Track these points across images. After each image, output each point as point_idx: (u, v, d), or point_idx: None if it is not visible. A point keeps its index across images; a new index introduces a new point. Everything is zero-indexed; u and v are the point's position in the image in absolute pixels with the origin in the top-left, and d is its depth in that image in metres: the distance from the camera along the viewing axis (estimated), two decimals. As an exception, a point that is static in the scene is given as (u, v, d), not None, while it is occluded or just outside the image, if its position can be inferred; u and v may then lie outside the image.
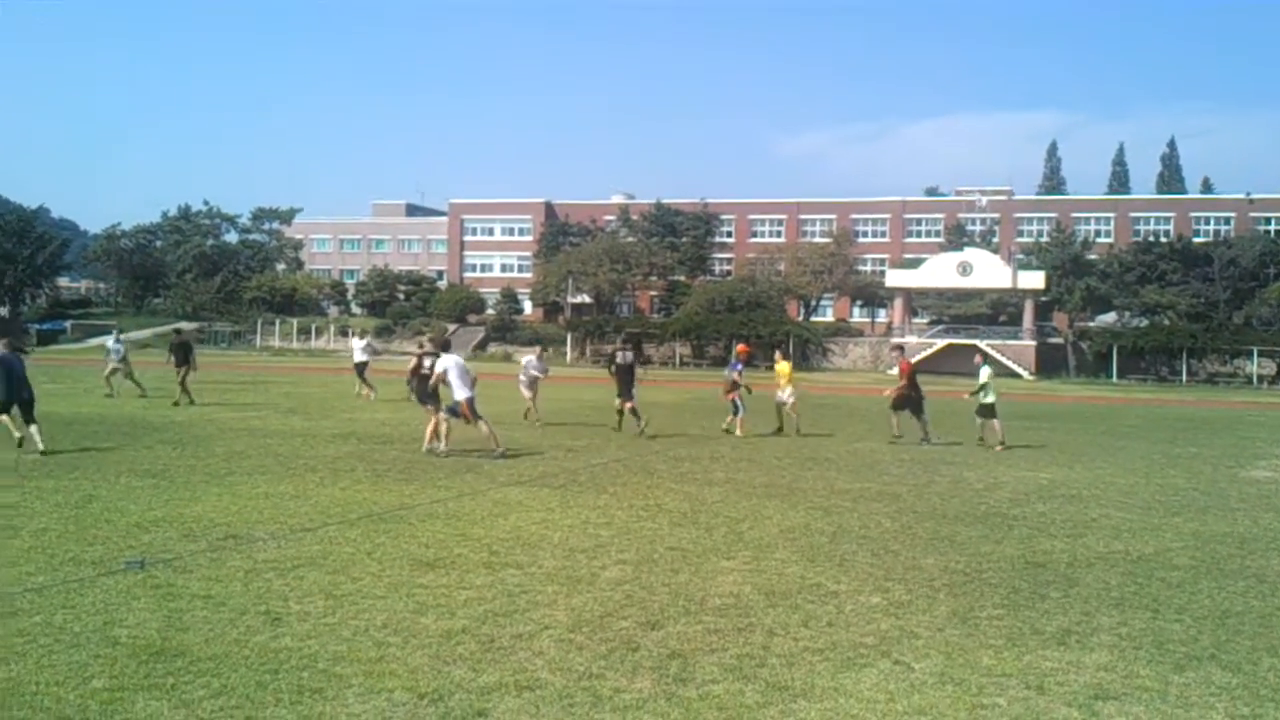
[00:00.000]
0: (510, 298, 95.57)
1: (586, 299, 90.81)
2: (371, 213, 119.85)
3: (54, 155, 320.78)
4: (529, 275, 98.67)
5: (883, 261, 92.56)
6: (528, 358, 24.08)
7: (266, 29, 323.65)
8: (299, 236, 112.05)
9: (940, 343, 76.20)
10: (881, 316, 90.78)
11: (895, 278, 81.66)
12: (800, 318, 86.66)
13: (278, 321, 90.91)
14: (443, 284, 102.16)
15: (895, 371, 21.54)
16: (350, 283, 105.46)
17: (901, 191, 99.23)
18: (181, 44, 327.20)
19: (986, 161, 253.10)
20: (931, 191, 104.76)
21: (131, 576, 7.93)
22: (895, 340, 21.51)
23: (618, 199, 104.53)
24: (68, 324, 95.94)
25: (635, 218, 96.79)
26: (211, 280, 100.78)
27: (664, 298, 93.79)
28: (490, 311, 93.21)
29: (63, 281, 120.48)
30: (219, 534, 9.70)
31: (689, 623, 7.14)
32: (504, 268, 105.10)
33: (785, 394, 22.00)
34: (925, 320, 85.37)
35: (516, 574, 8.40)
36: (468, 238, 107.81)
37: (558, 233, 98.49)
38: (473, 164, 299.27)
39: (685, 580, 8.37)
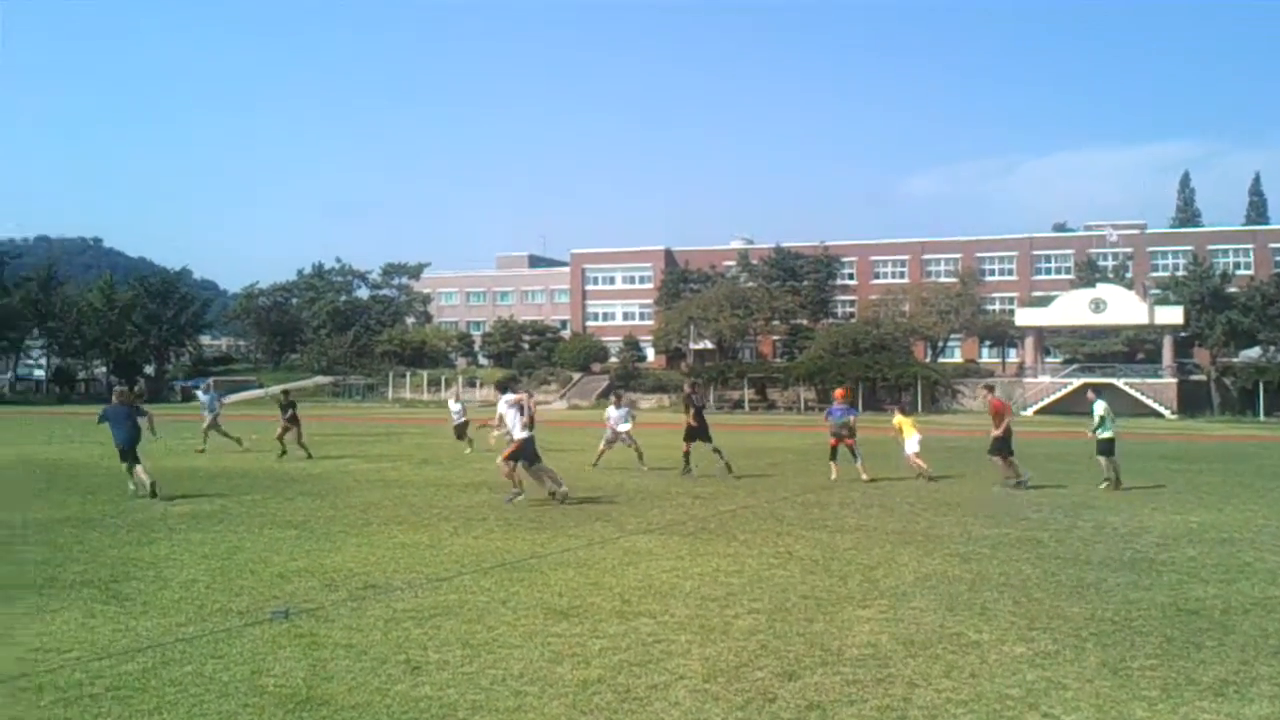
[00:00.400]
0: (633, 345, 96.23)
1: (709, 345, 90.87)
2: (496, 265, 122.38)
3: (195, 219, 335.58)
4: (650, 322, 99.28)
5: (1011, 300, 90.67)
6: (610, 410, 23.93)
7: (392, 94, 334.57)
8: (427, 290, 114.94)
9: (1075, 382, 74.04)
10: (1012, 356, 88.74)
11: (1025, 316, 79.83)
12: (927, 359, 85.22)
13: (408, 374, 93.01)
14: (566, 333, 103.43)
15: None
16: (477, 334, 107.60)
17: (1028, 228, 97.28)
18: (309, 110, 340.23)
19: (1115, 195, 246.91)
20: (1059, 227, 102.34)
21: (277, 626, 8.15)
22: (986, 381, 21.17)
23: (737, 244, 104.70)
24: (210, 380, 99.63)
25: (755, 262, 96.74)
26: (345, 335, 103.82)
27: (786, 342, 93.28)
28: (613, 359, 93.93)
29: (205, 339, 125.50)
30: (358, 583, 9.91)
31: (826, 673, 7.02)
32: (626, 315, 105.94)
33: (912, 443, 21.51)
34: (1058, 359, 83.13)
35: (649, 623, 8.38)
36: (590, 287, 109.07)
37: (678, 279, 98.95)
38: (594, 213, 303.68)
39: (820, 629, 8.24)
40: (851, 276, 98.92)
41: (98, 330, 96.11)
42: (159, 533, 13.05)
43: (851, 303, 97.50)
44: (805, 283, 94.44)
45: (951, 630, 8.26)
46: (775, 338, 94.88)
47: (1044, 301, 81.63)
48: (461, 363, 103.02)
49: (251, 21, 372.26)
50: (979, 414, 72.12)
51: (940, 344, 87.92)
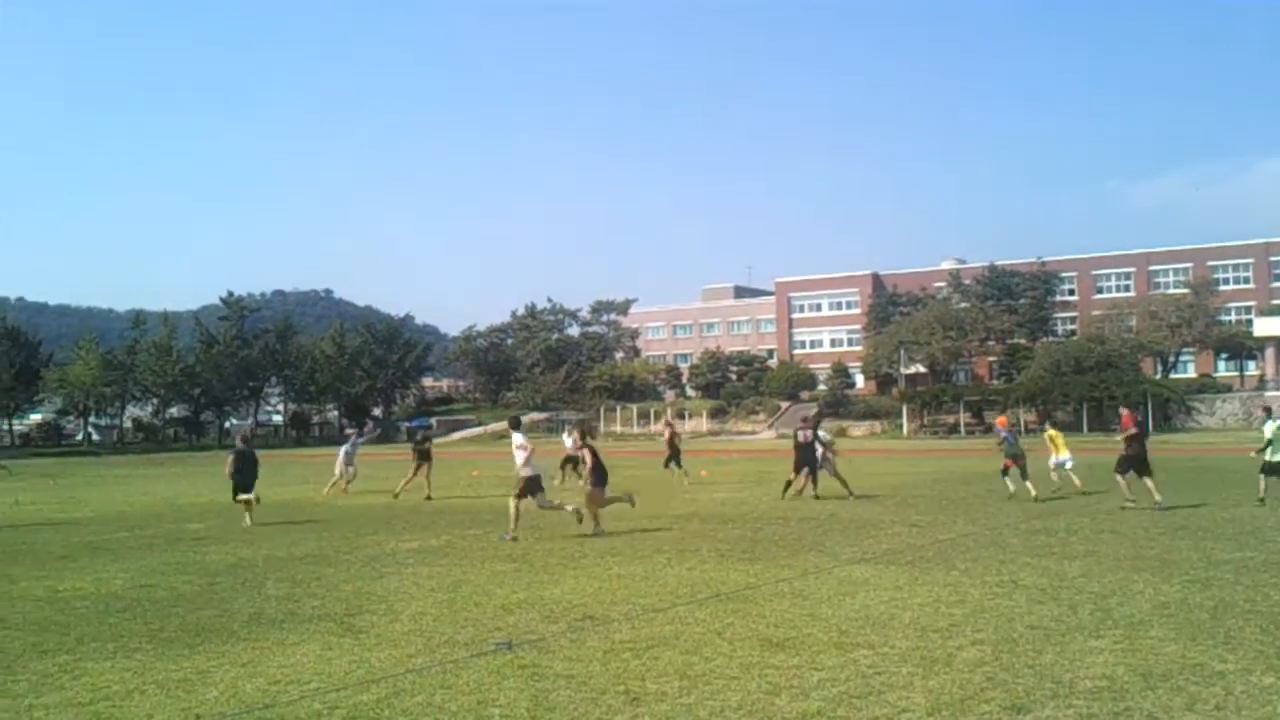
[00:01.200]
0: (841, 372, 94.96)
1: (921, 368, 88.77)
2: (701, 298, 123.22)
3: (417, 268, 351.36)
4: (859, 348, 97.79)
5: (1248, 310, 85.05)
6: (565, 438, 25.97)
7: (593, 137, 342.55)
8: (635, 325, 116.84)
9: (1323, 394, 68.86)
10: (1251, 369, 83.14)
11: (1264, 326, 74.87)
12: (1157, 375, 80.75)
13: (618, 407, 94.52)
14: (773, 362, 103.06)
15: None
16: (684, 366, 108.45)
17: (1266, 233, 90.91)
18: (516, 159, 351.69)
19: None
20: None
21: (501, 657, 8.37)
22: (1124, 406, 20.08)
23: (948, 265, 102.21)
24: (433, 420, 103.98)
25: (968, 282, 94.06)
26: (557, 372, 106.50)
27: (1003, 363, 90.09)
28: (822, 387, 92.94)
29: (427, 381, 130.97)
30: (577, 615, 10.08)
31: (1058, 707, 6.70)
32: (834, 342, 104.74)
33: (1063, 458, 22.84)
34: (1303, 370, 77.43)
35: (869, 654, 8.20)
36: (795, 315, 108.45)
37: (887, 303, 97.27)
38: (798, 242, 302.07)
39: (1050, 661, 7.87)
40: (1072, 292, 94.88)
41: (329, 376, 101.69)
42: (389, 568, 13.63)
43: (1073, 319, 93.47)
44: (1022, 301, 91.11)
45: (1193, 660, 7.76)
46: (991, 359, 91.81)
47: (1285, 310, 76.33)
48: (670, 395, 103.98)
49: (455, 65, 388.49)
50: (1216, 431, 67.89)
51: (1171, 359, 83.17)
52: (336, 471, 28.32)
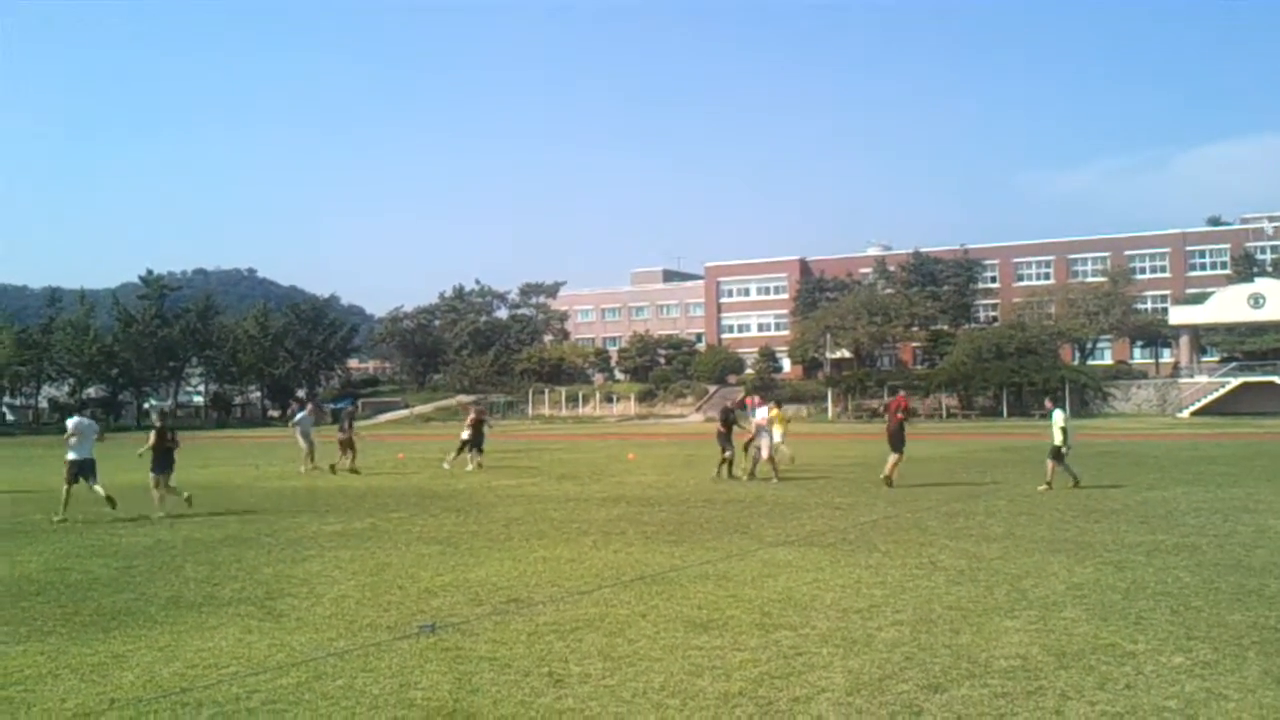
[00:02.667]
0: (769, 356, 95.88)
1: (846, 354, 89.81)
2: (631, 281, 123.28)
3: (341, 248, 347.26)
4: (787, 333, 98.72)
5: (1164, 298, 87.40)
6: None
7: (525, 116, 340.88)
8: (564, 308, 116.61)
9: (1234, 381, 70.93)
10: (1166, 356, 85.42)
11: (1179, 314, 76.89)
12: (1076, 362, 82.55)
13: (547, 390, 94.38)
14: (701, 346, 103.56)
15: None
16: (613, 350, 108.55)
17: (1180, 223, 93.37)
18: (442, 135, 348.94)
19: (1273, 187, 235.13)
20: (1214, 221, 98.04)
21: (424, 640, 8.32)
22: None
23: (874, 251, 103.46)
24: (358, 402, 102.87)
25: (893, 269, 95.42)
26: (485, 354, 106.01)
27: (927, 349, 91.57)
28: (749, 371, 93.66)
29: (353, 363, 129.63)
30: (502, 598, 10.06)
31: (974, 685, 6.84)
32: (761, 327, 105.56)
33: (777, 436, 24.25)
34: (1215, 358, 79.67)
35: (790, 635, 8.30)
36: (724, 299, 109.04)
37: (814, 289, 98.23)
38: (727, 227, 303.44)
39: (967, 641, 8.03)
40: (994, 279, 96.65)
41: (253, 357, 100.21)
42: (311, 550, 13.48)
43: (994, 306, 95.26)
44: (945, 287, 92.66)
45: (1105, 640, 7.97)
46: (915, 344, 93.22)
47: (1199, 299, 78.42)
48: (599, 378, 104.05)
49: (380, 48, 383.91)
50: (1131, 417, 69.65)
51: (1089, 346, 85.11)
52: (303, 447, 28.52)
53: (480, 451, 28.17)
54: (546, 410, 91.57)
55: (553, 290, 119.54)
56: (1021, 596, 9.71)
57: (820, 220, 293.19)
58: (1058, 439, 20.10)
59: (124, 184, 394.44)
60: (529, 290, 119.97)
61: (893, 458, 20.96)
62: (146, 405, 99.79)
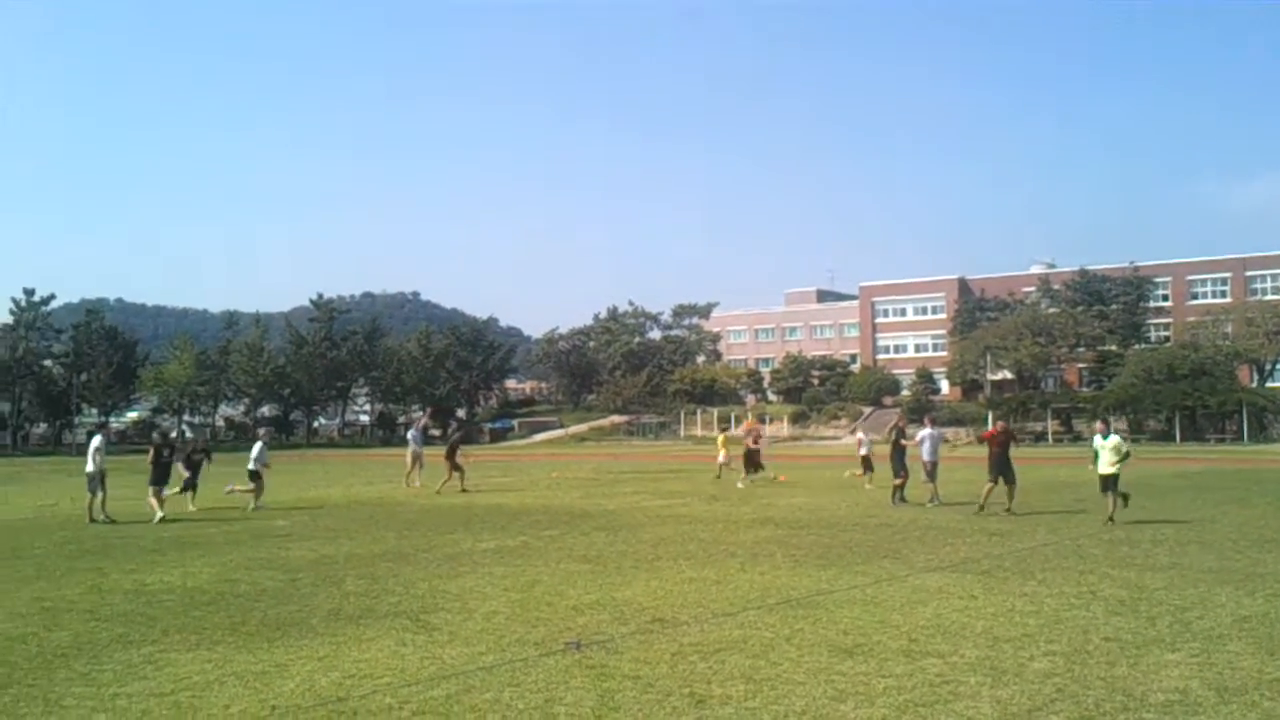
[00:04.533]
0: (926, 377, 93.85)
1: (1008, 375, 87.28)
2: (784, 302, 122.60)
3: (502, 271, 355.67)
4: (944, 354, 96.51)
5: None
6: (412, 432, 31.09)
7: (677, 138, 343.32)
8: (716, 329, 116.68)
9: None
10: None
11: (1367, 333, 72.24)
12: (1254, 384, 78.39)
13: (699, 411, 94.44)
14: (856, 367, 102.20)
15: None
16: (766, 370, 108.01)
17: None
18: (597, 160, 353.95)
19: None
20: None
21: (569, 657, 8.47)
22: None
23: (1036, 269, 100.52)
24: (515, 422, 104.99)
25: (1057, 287, 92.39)
26: (638, 375, 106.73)
27: (1094, 370, 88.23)
28: (906, 392, 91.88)
29: (510, 383, 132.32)
30: (647, 617, 10.15)
31: (1127, 719, 6.60)
32: (918, 348, 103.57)
33: (721, 457, 30.44)
34: None
35: (937, 663, 8.14)
36: (879, 319, 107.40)
37: (973, 309, 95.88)
38: (883, 244, 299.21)
39: (1123, 674, 7.74)
40: (1165, 298, 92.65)
41: (415, 377, 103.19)
42: (465, 566, 13.84)
43: (1166, 326, 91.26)
44: (1113, 307, 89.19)
45: (1271, 675, 7.58)
46: (1081, 365, 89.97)
47: (1392, 316, 73.64)
48: (751, 399, 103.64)
49: (539, 73, 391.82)
50: (1318, 442, 65.65)
51: (1269, 367, 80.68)
52: (408, 463, 29.64)
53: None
54: (699, 431, 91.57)
55: (705, 311, 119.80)
56: (1185, 629, 9.30)
57: (980, 238, 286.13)
58: (1108, 466, 18.27)
59: (297, 213, 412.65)
60: (682, 311, 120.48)
61: (988, 485, 20.24)
62: (316, 424, 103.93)
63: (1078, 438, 74.31)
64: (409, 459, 30.28)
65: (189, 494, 22.78)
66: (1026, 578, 12.29)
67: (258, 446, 24.42)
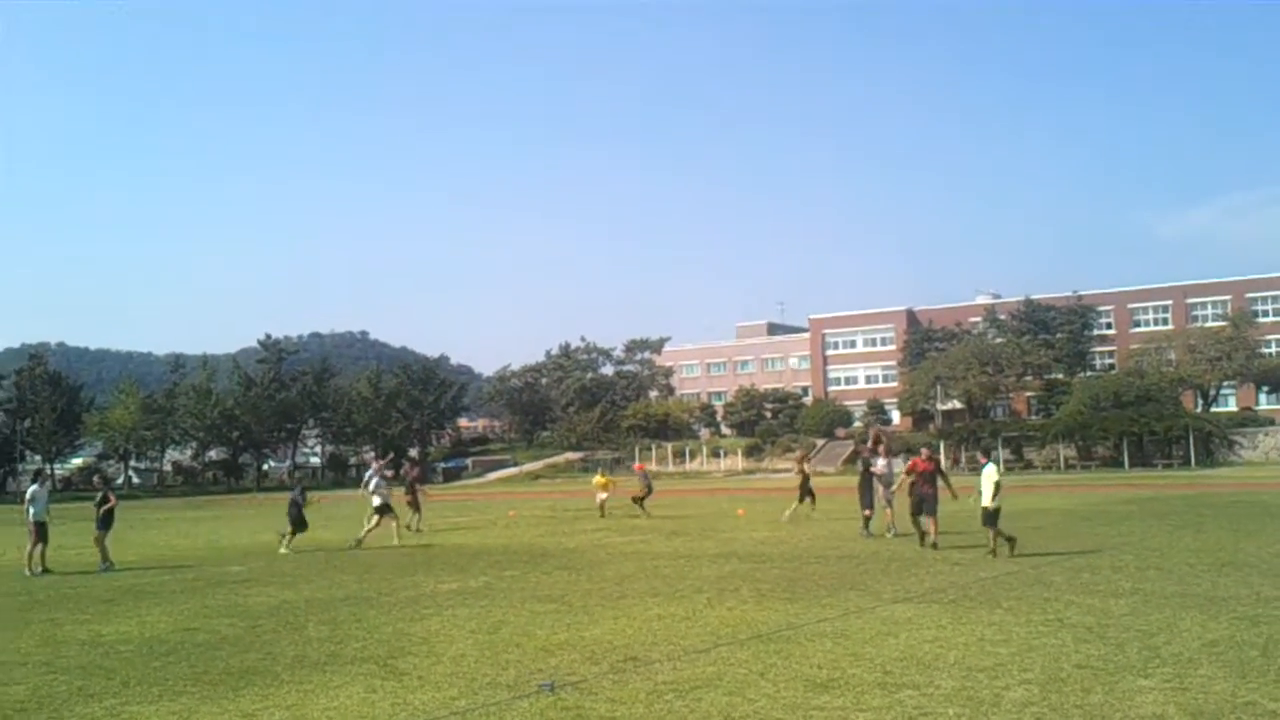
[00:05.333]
0: (877, 408, 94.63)
1: (957, 404, 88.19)
2: (735, 335, 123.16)
3: (450, 309, 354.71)
4: (895, 384, 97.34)
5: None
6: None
7: (625, 168, 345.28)
8: (669, 364, 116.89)
9: (1371, 426, 67.80)
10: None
11: (1307, 357, 73.79)
12: (1198, 409, 79.76)
13: (653, 446, 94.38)
14: (808, 399, 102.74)
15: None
16: (719, 404, 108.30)
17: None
18: (548, 195, 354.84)
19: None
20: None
21: (544, 699, 8.35)
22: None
23: (983, 300, 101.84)
24: (468, 461, 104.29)
25: (1003, 317, 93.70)
26: (592, 411, 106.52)
27: (1042, 398, 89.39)
28: (858, 424, 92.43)
29: (463, 421, 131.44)
30: (618, 656, 10.05)
31: (1110, 748, 6.60)
32: (869, 379, 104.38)
33: (600, 496, 32.76)
34: (1350, 402, 76.33)
35: (914, 695, 8.12)
36: (830, 351, 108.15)
37: (921, 339, 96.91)
38: (831, 278, 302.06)
39: (1099, 700, 7.76)
40: (1109, 326, 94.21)
41: (366, 417, 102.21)
42: (429, 609, 13.65)
43: (1111, 354, 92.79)
44: (1058, 335, 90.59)
45: (1244, 699, 7.64)
46: (1029, 394, 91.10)
47: (1329, 341, 75.31)
48: (705, 433, 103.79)
49: (486, 110, 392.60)
50: (1259, 465, 66.87)
51: (1212, 393, 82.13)
52: (377, 517, 25.06)
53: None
54: (653, 466, 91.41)
55: (657, 346, 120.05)
56: (1154, 654, 9.37)
57: (926, 270, 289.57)
58: (988, 498, 17.57)
59: (242, 252, 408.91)
60: (634, 346, 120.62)
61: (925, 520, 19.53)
62: (265, 467, 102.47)
63: (1028, 465, 75.16)
64: (379, 509, 24.97)
65: (293, 535, 23.43)
66: (993, 607, 12.34)
67: (375, 480, 25.07)
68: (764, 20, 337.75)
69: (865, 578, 15.51)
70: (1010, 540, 17.44)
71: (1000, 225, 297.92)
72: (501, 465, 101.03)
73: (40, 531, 19.92)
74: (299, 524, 23.58)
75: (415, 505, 28.67)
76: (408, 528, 26.97)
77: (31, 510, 20.03)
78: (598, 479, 34.91)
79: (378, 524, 24.54)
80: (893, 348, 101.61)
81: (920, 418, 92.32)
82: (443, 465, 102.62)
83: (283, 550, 22.76)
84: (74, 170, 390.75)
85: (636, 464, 34.70)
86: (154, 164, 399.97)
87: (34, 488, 20.79)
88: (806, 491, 26.85)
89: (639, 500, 32.14)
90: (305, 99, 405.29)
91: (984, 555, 17.79)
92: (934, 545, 19.02)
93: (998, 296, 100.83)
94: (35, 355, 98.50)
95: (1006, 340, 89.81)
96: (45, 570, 19.75)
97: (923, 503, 19.45)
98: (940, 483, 19.74)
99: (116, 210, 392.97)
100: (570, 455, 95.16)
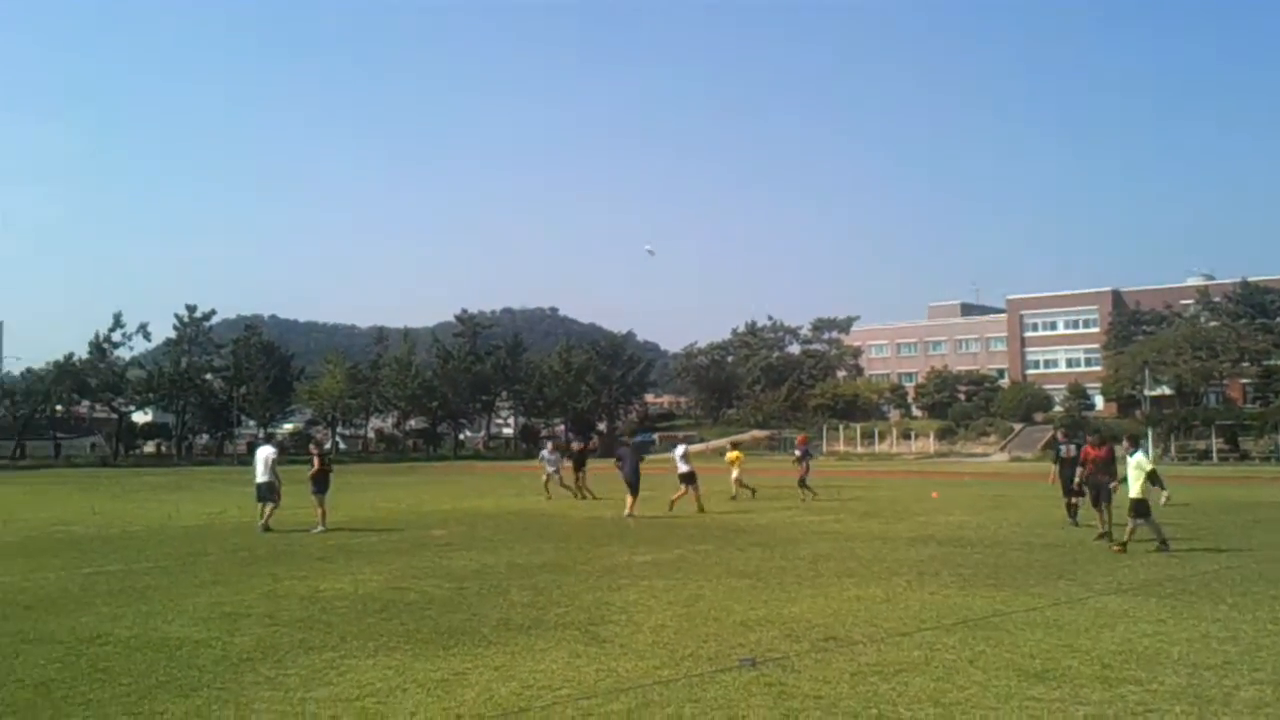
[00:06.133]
0: (1079, 393, 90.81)
1: (1167, 390, 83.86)
2: (927, 315, 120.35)
3: (636, 285, 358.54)
4: (1099, 369, 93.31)
5: None
6: (543, 453, 33.24)
7: (817, 150, 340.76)
8: (857, 344, 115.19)
9: None
10: None
11: None
12: None
13: (841, 427, 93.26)
14: (1004, 382, 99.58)
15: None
16: (909, 385, 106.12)
17: None
18: (732, 174, 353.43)
19: None
20: None
21: (746, 674, 8.31)
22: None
23: (1194, 281, 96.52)
24: (655, 436, 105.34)
25: (1218, 299, 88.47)
26: (778, 390, 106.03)
27: (1259, 385, 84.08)
28: (1058, 409, 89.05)
29: (649, 397, 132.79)
30: (818, 635, 9.92)
31: (1363, 759, 6.12)
32: (1070, 362, 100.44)
33: (734, 473, 30.76)
34: None
35: (1136, 690, 7.72)
36: (1028, 334, 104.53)
37: (1128, 322, 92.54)
38: (1030, 256, 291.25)
39: (1346, 708, 7.21)
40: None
41: (557, 391, 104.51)
42: (625, 579, 13.80)
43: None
44: (1278, 320, 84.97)
45: None
46: (1245, 381, 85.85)
47: None
48: (894, 415, 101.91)
49: (676, 83, 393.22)
50: None
51: None
52: (543, 477, 32.26)
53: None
54: (841, 447, 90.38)
55: (845, 325, 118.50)
56: (1407, 661, 8.65)
57: (1133, 248, 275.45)
58: (1135, 489, 16.57)
59: (440, 230, 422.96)
60: (821, 325, 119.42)
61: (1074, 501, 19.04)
62: (462, 436, 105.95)
63: (1244, 456, 70.90)
64: (546, 475, 32.31)
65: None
66: (1216, 602, 11.66)
67: (681, 448, 27.11)
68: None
69: (1073, 567, 14.89)
70: (1163, 541, 16.51)
71: (1214, 203, 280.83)
72: (688, 441, 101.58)
73: (264, 491, 21.10)
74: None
75: (577, 479, 31.28)
76: (580, 496, 30.33)
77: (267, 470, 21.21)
78: (731, 454, 33.42)
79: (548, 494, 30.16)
80: (1096, 330, 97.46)
81: (1126, 404, 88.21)
82: (636, 440, 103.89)
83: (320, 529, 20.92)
84: (297, 154, 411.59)
85: (799, 436, 33.90)
86: (358, 152, 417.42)
87: (270, 450, 21.94)
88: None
89: (803, 483, 30.06)
90: (490, 79, 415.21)
91: (1193, 550, 16.86)
92: (1106, 536, 17.81)
93: (1211, 278, 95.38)
94: (250, 326, 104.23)
95: (1221, 324, 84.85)
96: (267, 529, 20.88)
97: (1099, 491, 18.41)
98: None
99: (325, 192, 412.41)
100: (757, 433, 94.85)
